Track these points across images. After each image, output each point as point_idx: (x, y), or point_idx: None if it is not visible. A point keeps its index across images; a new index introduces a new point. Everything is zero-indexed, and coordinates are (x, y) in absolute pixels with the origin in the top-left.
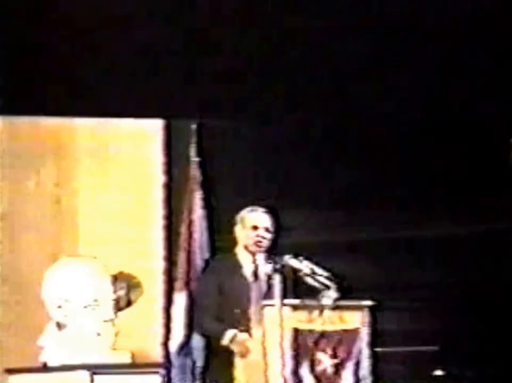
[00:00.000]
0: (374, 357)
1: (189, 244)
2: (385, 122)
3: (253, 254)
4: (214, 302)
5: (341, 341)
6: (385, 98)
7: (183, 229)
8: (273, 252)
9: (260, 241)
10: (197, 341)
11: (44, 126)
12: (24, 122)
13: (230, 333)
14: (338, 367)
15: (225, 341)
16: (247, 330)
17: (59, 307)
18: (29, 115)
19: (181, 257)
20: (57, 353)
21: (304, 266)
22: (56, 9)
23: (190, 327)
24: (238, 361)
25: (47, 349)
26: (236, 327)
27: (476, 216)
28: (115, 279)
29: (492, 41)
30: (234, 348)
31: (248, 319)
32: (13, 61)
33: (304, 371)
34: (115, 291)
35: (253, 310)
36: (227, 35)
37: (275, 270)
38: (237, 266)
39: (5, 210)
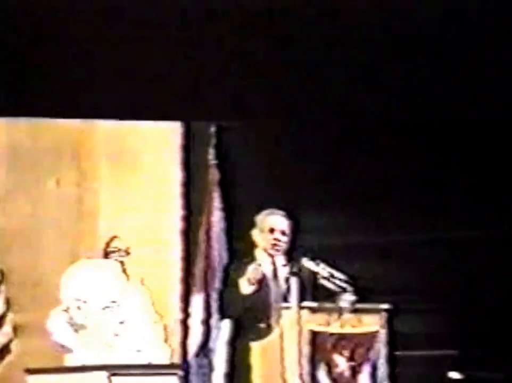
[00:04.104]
0: (392, 360)
1: (208, 246)
2: (401, 125)
3: (272, 256)
4: (236, 301)
5: (359, 344)
6: (400, 101)
7: (201, 231)
8: (290, 255)
9: (277, 244)
10: (220, 344)
11: (65, 127)
12: (45, 123)
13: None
14: (355, 370)
15: (243, 286)
16: (268, 327)
17: (78, 308)
18: (49, 117)
19: (200, 259)
20: (75, 353)
21: (321, 269)
22: (73, 10)
23: (208, 329)
24: (256, 362)
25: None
26: (257, 327)
27: (495, 219)
28: None
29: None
30: (251, 278)
31: (269, 319)
32: (35, 64)
33: (321, 373)
34: None
35: (272, 312)
36: (245, 38)
37: (292, 273)
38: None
39: (26, 211)
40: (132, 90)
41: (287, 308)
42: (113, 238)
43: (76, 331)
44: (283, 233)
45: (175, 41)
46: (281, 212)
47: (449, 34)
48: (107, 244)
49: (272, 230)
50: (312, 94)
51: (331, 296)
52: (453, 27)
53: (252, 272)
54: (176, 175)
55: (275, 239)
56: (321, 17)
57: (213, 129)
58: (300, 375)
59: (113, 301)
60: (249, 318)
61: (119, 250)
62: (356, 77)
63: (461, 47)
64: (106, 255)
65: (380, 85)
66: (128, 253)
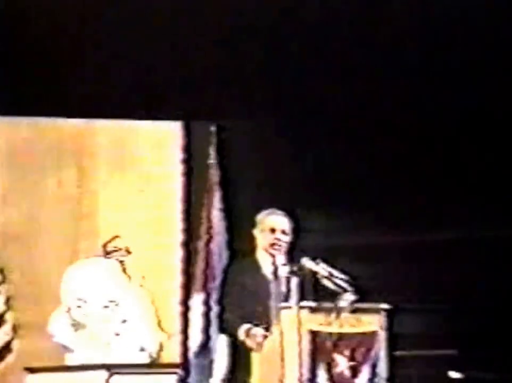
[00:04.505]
0: (392, 360)
1: (208, 246)
2: (401, 126)
3: (273, 255)
4: (236, 301)
5: (359, 344)
6: (399, 101)
7: (202, 230)
8: (291, 254)
9: (277, 244)
10: (220, 343)
11: (65, 128)
12: (46, 123)
13: (245, 326)
14: (355, 370)
15: (240, 335)
16: (267, 328)
17: (78, 307)
18: (50, 116)
19: (200, 259)
20: (76, 352)
21: (321, 268)
22: (74, 10)
23: (208, 328)
24: (255, 362)
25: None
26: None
27: (494, 219)
28: None
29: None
30: (249, 342)
31: (269, 319)
32: (35, 64)
33: (321, 373)
34: None
35: (272, 311)
36: (245, 37)
37: (292, 272)
38: (257, 267)
39: (26, 211)
40: (132, 90)
41: (287, 308)
42: (113, 238)
43: (76, 330)
44: (284, 232)
45: (176, 41)
46: (281, 212)
47: (449, 34)
48: (107, 244)
49: (273, 230)
50: (313, 94)
51: (331, 296)
52: (453, 28)
53: (251, 338)
54: (176, 175)
55: (276, 239)
56: (318, 16)
57: (213, 129)
58: (300, 375)
59: (113, 301)
60: (250, 319)
61: (119, 249)
62: (356, 77)
63: (461, 47)
64: (106, 254)
65: (380, 85)
66: (128, 253)
